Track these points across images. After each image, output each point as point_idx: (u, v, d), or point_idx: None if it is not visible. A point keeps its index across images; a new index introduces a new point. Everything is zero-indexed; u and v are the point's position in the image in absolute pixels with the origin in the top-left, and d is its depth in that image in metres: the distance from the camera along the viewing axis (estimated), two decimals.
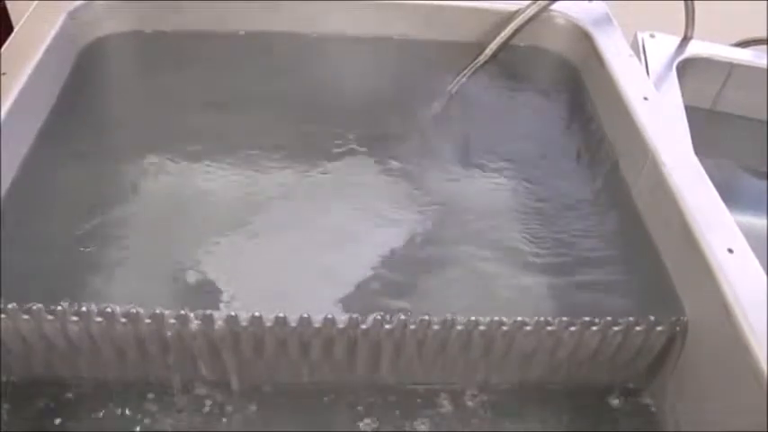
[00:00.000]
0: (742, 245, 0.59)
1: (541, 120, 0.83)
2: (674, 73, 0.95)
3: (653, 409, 0.63)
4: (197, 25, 0.88)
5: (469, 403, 0.62)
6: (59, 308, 0.55)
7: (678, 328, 0.59)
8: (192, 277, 0.60)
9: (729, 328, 0.54)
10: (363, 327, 0.57)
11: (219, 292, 0.58)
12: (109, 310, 0.55)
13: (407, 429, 0.60)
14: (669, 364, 0.61)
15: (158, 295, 0.58)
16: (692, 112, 0.88)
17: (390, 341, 0.58)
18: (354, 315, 0.57)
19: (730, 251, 0.58)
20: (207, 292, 0.58)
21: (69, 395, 0.60)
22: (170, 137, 0.75)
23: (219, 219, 0.66)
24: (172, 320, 0.55)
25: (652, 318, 0.59)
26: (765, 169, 0.96)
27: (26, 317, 0.55)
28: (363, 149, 0.75)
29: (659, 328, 0.59)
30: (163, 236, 0.64)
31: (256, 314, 0.56)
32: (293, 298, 0.59)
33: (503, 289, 0.62)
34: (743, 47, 1.05)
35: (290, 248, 0.64)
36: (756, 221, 0.88)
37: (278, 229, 0.66)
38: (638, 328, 0.59)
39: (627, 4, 1.01)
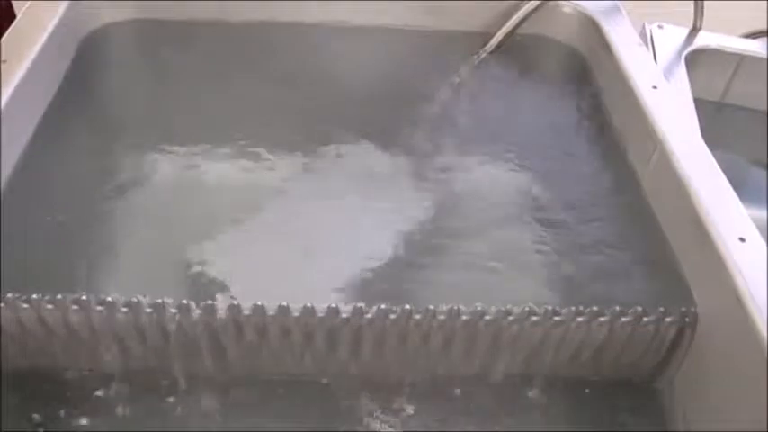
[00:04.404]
0: (754, 234, 0.58)
1: (549, 109, 0.82)
2: (682, 64, 0.94)
3: (661, 401, 0.62)
4: (198, 14, 0.88)
5: (475, 395, 0.61)
6: (59, 297, 0.54)
7: (688, 319, 0.58)
8: (194, 267, 0.59)
9: (741, 320, 0.53)
10: (368, 316, 0.56)
11: (222, 282, 0.57)
12: (109, 299, 0.55)
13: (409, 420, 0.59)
14: (678, 356, 0.60)
15: (160, 285, 0.57)
16: (700, 104, 0.87)
17: (395, 331, 0.57)
18: (359, 305, 0.56)
19: (742, 240, 0.57)
20: (210, 282, 0.57)
21: (70, 385, 0.59)
22: (172, 126, 0.74)
23: (222, 209, 0.65)
24: (173, 310, 0.55)
25: (662, 309, 0.58)
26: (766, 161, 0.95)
27: (26, 306, 0.55)
28: (367, 139, 0.74)
29: (669, 319, 0.58)
30: (165, 226, 0.64)
31: (259, 303, 0.55)
32: (297, 288, 0.58)
33: (509, 279, 0.61)
34: (752, 38, 1.04)
35: (294, 237, 0.63)
36: (765, 214, 0.87)
37: (282, 219, 0.65)
38: (646, 319, 0.58)
39: None
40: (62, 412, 0.57)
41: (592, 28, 0.87)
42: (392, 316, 0.56)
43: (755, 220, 0.60)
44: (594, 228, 0.66)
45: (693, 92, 0.89)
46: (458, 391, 0.61)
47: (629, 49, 0.80)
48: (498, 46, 0.88)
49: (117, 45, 0.86)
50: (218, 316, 0.55)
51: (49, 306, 0.55)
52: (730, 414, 0.55)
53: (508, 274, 0.61)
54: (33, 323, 0.56)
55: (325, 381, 0.61)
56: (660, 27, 1.01)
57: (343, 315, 0.56)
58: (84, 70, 0.80)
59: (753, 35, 1.05)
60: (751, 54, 1.00)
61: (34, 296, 0.54)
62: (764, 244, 0.57)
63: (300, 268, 0.60)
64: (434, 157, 0.73)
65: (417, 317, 0.56)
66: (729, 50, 1.00)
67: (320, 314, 0.56)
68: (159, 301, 0.55)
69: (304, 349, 0.58)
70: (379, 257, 0.61)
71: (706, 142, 0.69)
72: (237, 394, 0.60)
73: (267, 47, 0.87)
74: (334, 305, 0.55)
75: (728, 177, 0.64)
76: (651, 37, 0.98)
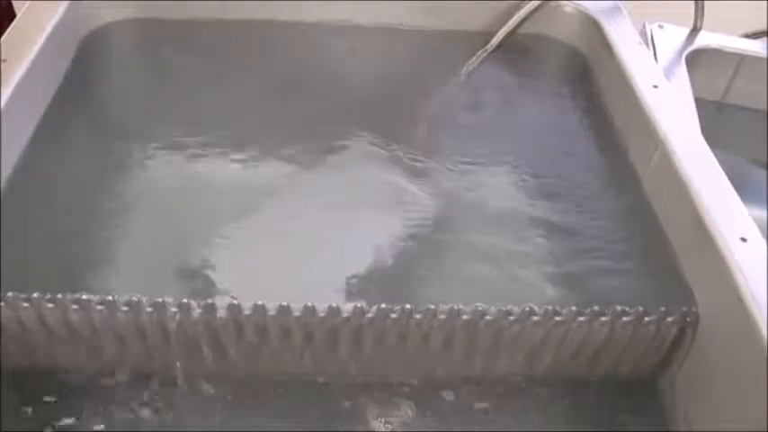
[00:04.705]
0: (755, 234, 0.57)
1: (550, 108, 0.82)
2: (683, 64, 0.94)
3: (662, 401, 0.62)
4: (199, 13, 0.88)
5: (475, 395, 0.61)
6: (59, 296, 0.54)
7: (689, 319, 0.58)
8: (195, 267, 0.59)
9: (742, 320, 0.53)
10: (368, 316, 0.56)
11: (222, 281, 0.57)
12: (110, 298, 0.54)
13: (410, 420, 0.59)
14: (680, 356, 0.60)
15: (161, 285, 0.57)
16: (701, 104, 0.87)
17: (395, 330, 0.57)
18: (359, 304, 0.56)
19: (743, 240, 0.56)
20: (210, 282, 0.57)
21: (70, 385, 0.59)
22: (172, 126, 0.74)
23: (222, 208, 0.65)
24: (173, 309, 0.55)
25: (663, 308, 0.58)
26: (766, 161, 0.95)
27: (26, 305, 0.54)
28: (367, 139, 0.74)
29: (670, 319, 0.58)
30: (164, 226, 0.63)
31: (259, 303, 0.55)
32: (297, 287, 0.58)
33: (510, 280, 0.61)
34: (752, 38, 1.04)
35: (295, 238, 0.63)
36: (765, 214, 0.87)
37: (282, 218, 0.65)
38: (648, 319, 0.58)
39: None
40: (62, 412, 0.57)
41: (593, 27, 0.87)
42: (393, 315, 0.56)
43: (756, 220, 0.59)
44: (595, 227, 0.66)
45: (694, 91, 0.89)
46: (458, 390, 0.61)
47: (630, 49, 0.80)
48: (499, 45, 0.88)
49: (117, 45, 0.86)
50: (218, 315, 0.55)
51: (50, 305, 0.54)
52: (732, 414, 0.54)
53: (508, 274, 0.61)
54: (33, 322, 0.55)
55: (325, 380, 0.61)
56: (661, 27, 1.00)
57: (344, 315, 0.56)
58: (84, 70, 0.80)
59: (753, 35, 1.04)
60: (751, 54, 1.00)
61: (34, 295, 0.54)
62: (765, 244, 0.57)
63: (301, 268, 0.60)
64: (435, 156, 0.73)
65: (418, 316, 0.56)
66: (730, 50, 1.00)
67: (321, 314, 0.55)
68: (159, 300, 0.55)
69: (304, 349, 0.58)
70: (381, 257, 0.61)
71: (706, 142, 0.69)
72: (238, 394, 0.60)
73: (267, 46, 0.87)
74: (334, 305, 0.55)
75: (729, 177, 0.64)
76: (651, 37, 0.98)
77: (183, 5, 0.87)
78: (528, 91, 0.85)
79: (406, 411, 0.60)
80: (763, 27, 1.04)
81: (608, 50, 0.82)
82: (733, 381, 0.54)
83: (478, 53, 0.87)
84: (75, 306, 0.54)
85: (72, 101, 0.75)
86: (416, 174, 0.71)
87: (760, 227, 0.59)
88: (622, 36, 0.83)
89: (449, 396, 0.61)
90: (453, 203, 0.68)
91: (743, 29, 1.06)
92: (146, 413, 0.58)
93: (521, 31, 0.88)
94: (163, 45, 0.86)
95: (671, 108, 0.71)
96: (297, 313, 0.55)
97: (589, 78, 0.86)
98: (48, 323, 0.55)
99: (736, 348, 0.54)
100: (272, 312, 0.55)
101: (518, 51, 0.89)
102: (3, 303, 0.54)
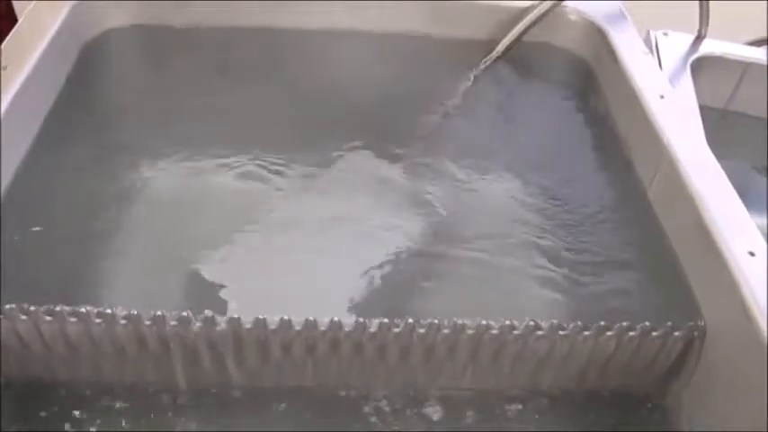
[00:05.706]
0: (764, 247, 0.57)
1: (554, 117, 0.82)
2: (687, 72, 0.93)
3: (669, 415, 0.61)
4: (201, 20, 0.87)
5: (478, 408, 0.60)
6: (58, 309, 0.54)
7: (696, 333, 0.57)
8: (195, 279, 0.58)
9: (749, 334, 0.52)
10: (370, 330, 0.55)
11: (223, 293, 0.57)
12: (108, 311, 0.54)
13: None
14: (686, 370, 0.59)
15: (161, 297, 0.56)
16: (705, 111, 0.86)
17: (397, 345, 0.56)
18: (361, 318, 0.55)
19: (751, 254, 0.56)
20: (210, 294, 0.57)
21: (70, 398, 0.58)
22: (173, 133, 0.73)
23: (223, 218, 0.64)
24: (173, 322, 0.54)
25: (669, 323, 0.57)
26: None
27: (24, 318, 0.54)
28: (371, 148, 0.74)
29: (676, 334, 0.57)
30: (165, 235, 0.63)
31: (260, 316, 0.54)
32: (298, 300, 0.57)
33: (514, 293, 0.60)
34: (757, 46, 1.04)
35: (295, 250, 0.62)
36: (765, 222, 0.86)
37: (284, 230, 0.64)
38: (654, 334, 0.57)
39: (640, 3, 1.00)
40: (62, 425, 0.57)
41: (597, 36, 0.86)
42: (395, 330, 0.55)
43: (758, 228, 0.59)
44: (600, 239, 0.65)
45: (698, 99, 0.88)
46: (461, 403, 0.61)
47: (635, 58, 0.80)
48: (504, 53, 0.87)
49: (119, 50, 0.85)
50: (218, 329, 0.54)
51: (48, 318, 0.54)
52: (738, 428, 0.54)
53: (512, 288, 0.61)
54: (32, 335, 0.55)
55: (326, 394, 0.60)
56: (665, 34, 1.00)
57: (346, 329, 0.55)
58: (85, 75, 0.79)
59: (756, 43, 1.04)
60: (755, 62, 0.99)
61: (32, 308, 0.54)
62: None
63: (303, 281, 0.59)
64: (438, 167, 0.72)
65: (421, 331, 0.55)
66: (734, 58, 1.00)
67: (322, 328, 0.55)
68: (159, 313, 0.54)
69: (305, 362, 0.58)
70: (385, 269, 0.60)
71: (710, 150, 0.68)
72: (238, 406, 0.59)
73: (270, 53, 0.86)
74: (336, 319, 0.55)
75: (733, 185, 0.63)
76: (656, 44, 0.98)
77: (185, 12, 0.87)
78: (532, 99, 0.85)
79: (409, 423, 0.59)
80: (764, 34, 1.04)
81: (613, 59, 0.81)
82: (740, 395, 0.54)
83: (483, 61, 0.87)
84: (73, 319, 0.54)
85: (73, 107, 0.75)
86: (419, 183, 0.70)
87: (762, 234, 0.58)
88: (627, 44, 0.82)
89: (451, 409, 0.60)
90: (457, 215, 0.67)
91: (745, 36, 1.06)
92: (146, 426, 0.57)
93: (525, 39, 0.88)
94: (164, 51, 0.86)
95: (676, 118, 0.71)
96: (298, 327, 0.55)
97: (594, 87, 0.85)
98: (45, 336, 0.55)
99: (743, 362, 0.54)
100: (272, 326, 0.54)
101: (522, 59, 0.88)
102: (1, 316, 0.54)
